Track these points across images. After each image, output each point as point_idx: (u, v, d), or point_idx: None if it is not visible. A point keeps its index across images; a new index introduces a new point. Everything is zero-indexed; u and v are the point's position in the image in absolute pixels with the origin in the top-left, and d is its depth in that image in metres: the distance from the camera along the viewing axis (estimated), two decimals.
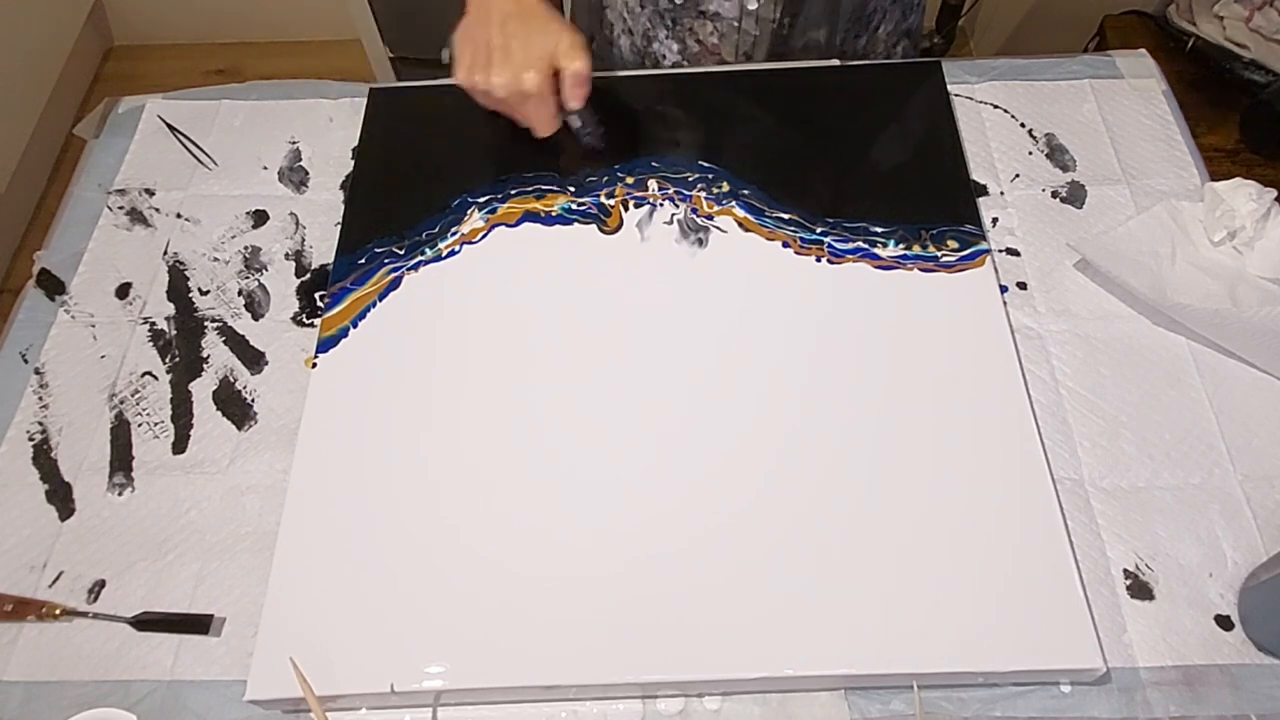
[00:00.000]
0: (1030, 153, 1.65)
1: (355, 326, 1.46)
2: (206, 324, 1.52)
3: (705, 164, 1.61)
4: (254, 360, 1.47)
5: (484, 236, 1.54)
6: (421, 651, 1.20)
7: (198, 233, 1.62)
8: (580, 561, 1.25)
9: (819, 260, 1.49)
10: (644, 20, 1.87)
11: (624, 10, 1.89)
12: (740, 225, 1.54)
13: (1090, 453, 1.35)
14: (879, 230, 1.52)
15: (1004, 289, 1.48)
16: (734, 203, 1.56)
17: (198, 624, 1.26)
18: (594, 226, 1.55)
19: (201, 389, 1.46)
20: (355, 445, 1.35)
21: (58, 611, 1.26)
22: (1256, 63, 2.38)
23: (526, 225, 1.56)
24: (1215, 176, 1.57)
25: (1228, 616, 1.22)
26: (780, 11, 1.73)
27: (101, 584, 1.30)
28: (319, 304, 1.52)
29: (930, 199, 1.56)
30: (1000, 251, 1.53)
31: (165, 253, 1.60)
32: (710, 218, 1.55)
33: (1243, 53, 2.48)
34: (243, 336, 1.50)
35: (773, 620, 1.20)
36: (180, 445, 1.40)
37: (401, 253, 1.53)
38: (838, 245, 1.51)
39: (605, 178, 1.61)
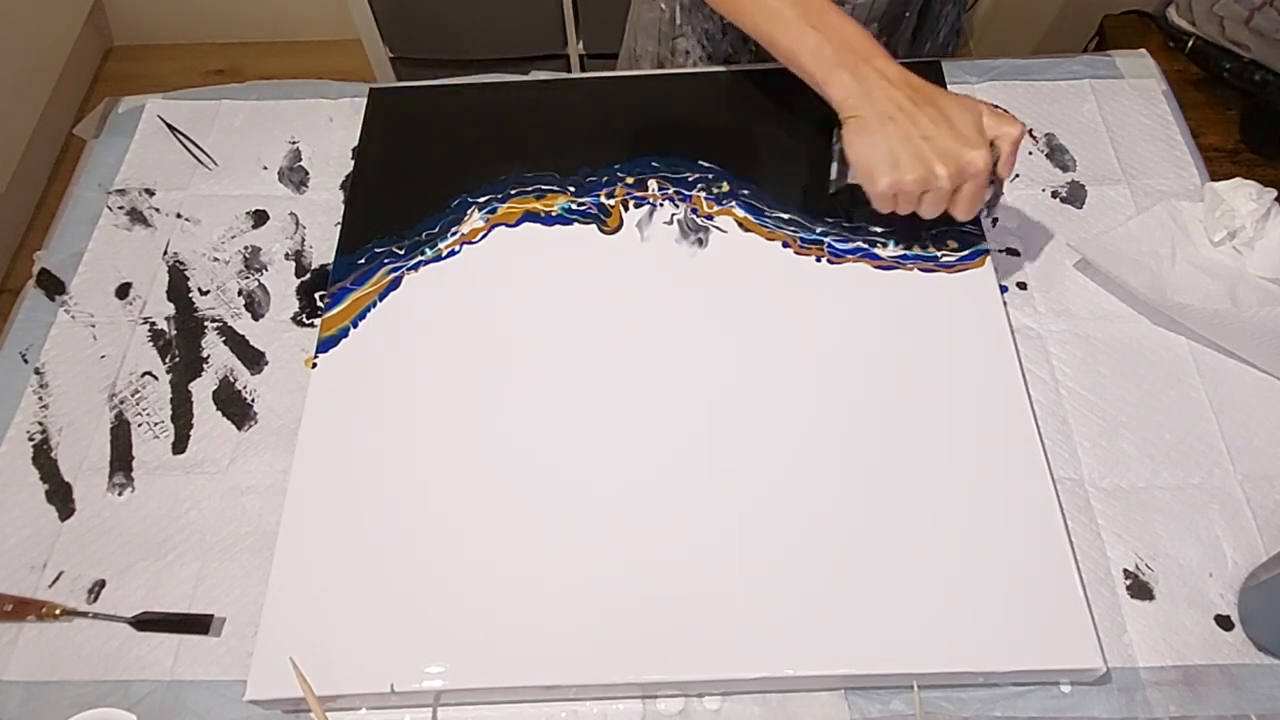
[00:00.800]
0: (1030, 153, 1.65)
1: (355, 326, 1.46)
2: (206, 324, 1.52)
3: (705, 164, 1.61)
4: (254, 360, 1.47)
5: (484, 236, 1.54)
6: (421, 651, 1.20)
7: (198, 233, 1.62)
8: (580, 562, 1.26)
9: (819, 260, 1.49)
10: (725, 46, 1.86)
11: (703, 37, 1.88)
12: (740, 225, 1.54)
13: (1090, 453, 1.35)
14: (879, 230, 1.52)
15: (1004, 289, 1.48)
16: (734, 203, 1.56)
17: (198, 624, 1.26)
18: (594, 226, 1.55)
19: (201, 389, 1.46)
20: (355, 445, 1.35)
21: (58, 611, 1.26)
22: (1257, 63, 2.38)
23: (526, 225, 1.56)
24: (1215, 176, 1.57)
25: (1228, 616, 1.22)
26: (875, 32, 1.72)
27: (101, 584, 1.30)
28: (319, 304, 1.52)
29: None
30: (1000, 251, 1.53)
31: (165, 253, 1.60)
32: (710, 218, 1.55)
33: (1242, 53, 2.48)
34: (243, 336, 1.50)
35: (772, 620, 1.20)
36: (180, 445, 1.41)
37: (401, 253, 1.53)
38: (838, 245, 1.51)
39: (605, 177, 1.61)
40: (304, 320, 1.51)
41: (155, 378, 1.47)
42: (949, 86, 1.71)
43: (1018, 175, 1.62)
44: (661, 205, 1.56)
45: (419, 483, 1.32)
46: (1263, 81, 2.32)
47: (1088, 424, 1.37)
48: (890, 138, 1.31)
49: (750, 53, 1.84)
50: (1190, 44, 2.42)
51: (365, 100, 1.75)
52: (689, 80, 1.78)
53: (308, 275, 1.56)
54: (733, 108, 1.70)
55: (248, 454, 1.40)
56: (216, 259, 1.59)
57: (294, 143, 1.73)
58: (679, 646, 1.19)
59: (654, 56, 1.95)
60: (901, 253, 1.50)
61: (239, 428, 1.42)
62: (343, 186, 1.67)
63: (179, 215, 1.64)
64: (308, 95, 1.80)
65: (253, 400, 1.44)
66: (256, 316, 1.52)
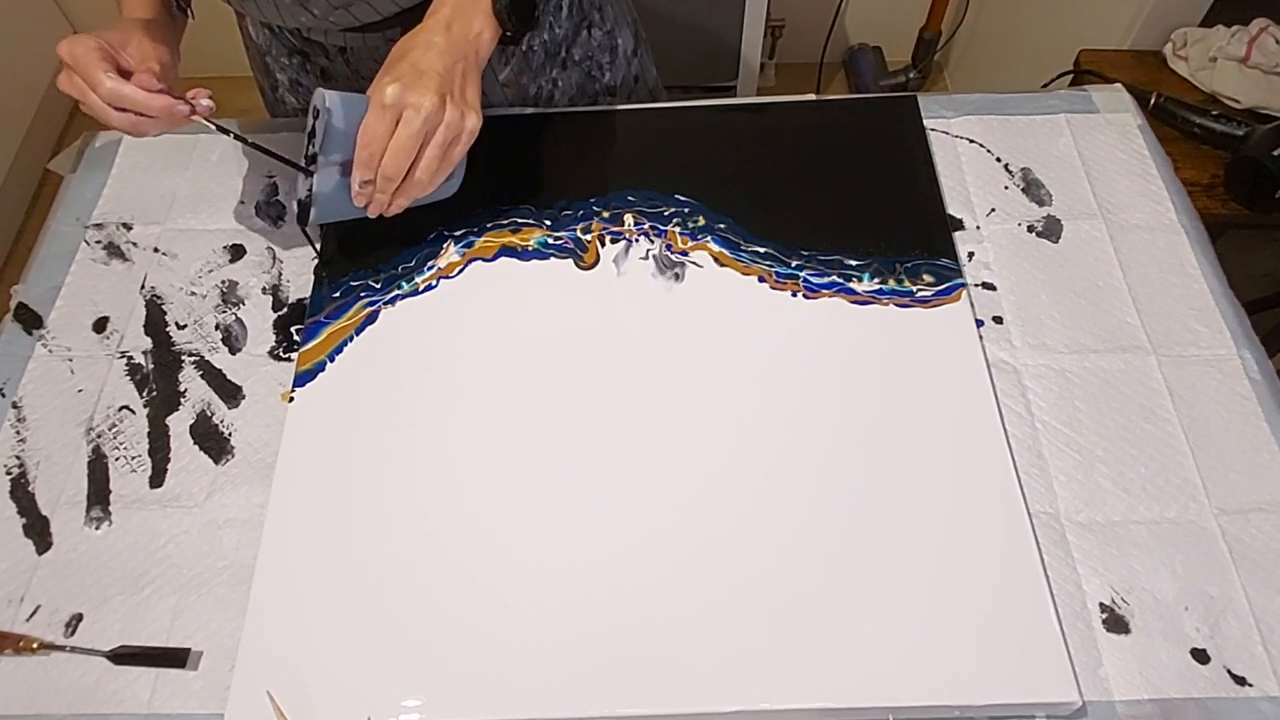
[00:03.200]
0: (1006, 187, 1.66)
1: (332, 361, 1.46)
2: (184, 358, 1.52)
3: (681, 198, 1.62)
4: (231, 394, 1.47)
5: (461, 271, 1.54)
6: (399, 685, 1.20)
7: (175, 267, 1.62)
8: (557, 596, 1.26)
9: (794, 295, 1.50)
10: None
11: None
12: (716, 260, 1.54)
13: (1066, 486, 1.35)
14: (854, 263, 1.53)
15: (980, 323, 1.48)
16: (709, 237, 1.57)
17: (175, 658, 1.26)
18: (570, 261, 1.55)
19: (179, 423, 1.46)
20: (332, 479, 1.36)
21: (35, 645, 1.26)
22: (1225, 115, 2.37)
23: (503, 260, 1.56)
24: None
25: (1204, 650, 1.23)
26: None
27: (79, 617, 1.30)
28: (296, 338, 1.52)
29: (906, 233, 1.57)
30: (976, 286, 1.54)
31: (143, 287, 1.60)
32: (685, 253, 1.55)
33: (1230, 103, 2.48)
34: (220, 370, 1.50)
35: (749, 654, 1.21)
36: (158, 479, 1.40)
37: (378, 287, 1.53)
38: (813, 280, 1.51)
39: (581, 212, 1.61)
40: (281, 354, 1.51)
41: (132, 411, 1.47)
42: (925, 120, 1.72)
43: (993, 210, 1.63)
44: (637, 240, 1.57)
45: (395, 517, 1.33)
46: (1239, 134, 2.32)
47: (1063, 458, 1.38)
48: None
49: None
50: (1152, 103, 2.41)
51: None
52: (664, 115, 1.79)
53: (284, 309, 1.56)
54: (708, 142, 1.70)
55: (225, 488, 1.39)
56: (194, 293, 1.59)
57: (271, 177, 1.73)
58: (656, 680, 1.19)
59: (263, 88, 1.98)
60: (877, 287, 1.50)
61: (216, 462, 1.42)
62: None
63: (156, 249, 1.64)
64: (284, 130, 1.80)
65: (230, 434, 1.44)
66: (234, 350, 1.52)
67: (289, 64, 1.80)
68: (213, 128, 1.41)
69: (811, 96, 1.77)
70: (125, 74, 1.39)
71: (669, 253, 1.56)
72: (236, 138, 1.46)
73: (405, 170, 1.36)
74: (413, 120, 1.31)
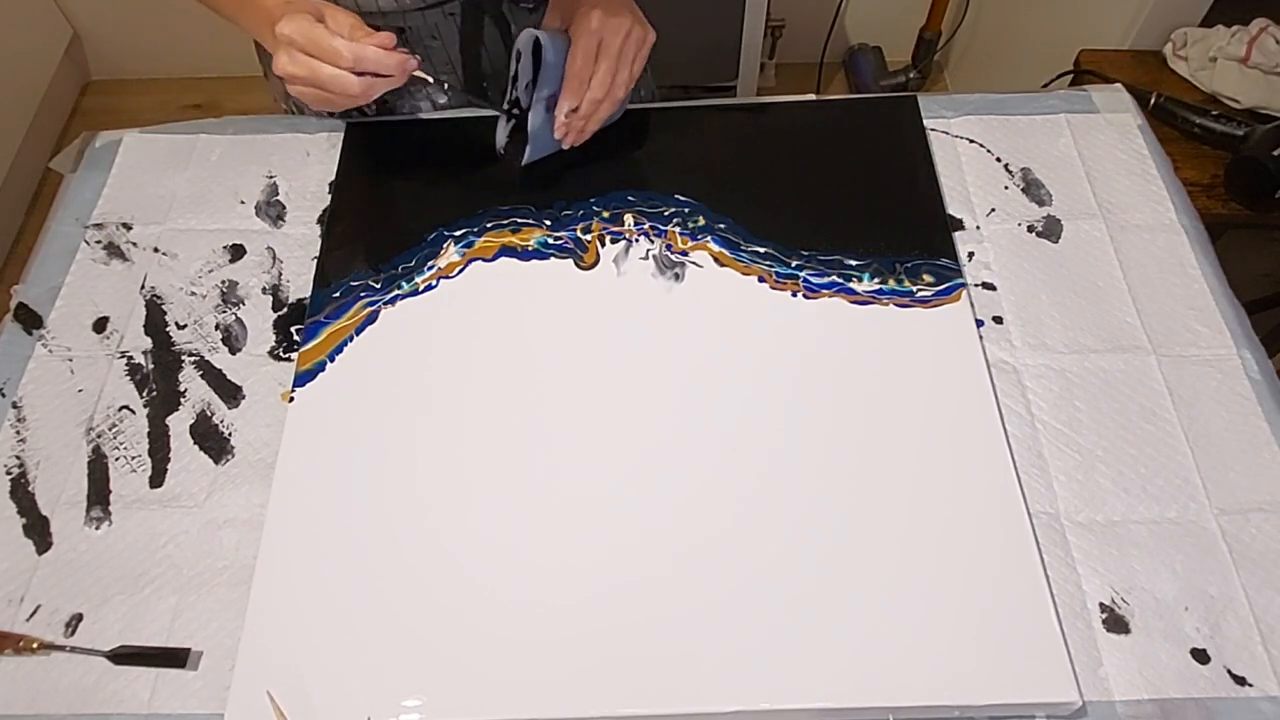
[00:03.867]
0: (1006, 187, 1.66)
1: (332, 361, 1.46)
2: (184, 358, 1.52)
3: (681, 198, 1.62)
4: (231, 394, 1.47)
5: (461, 271, 1.54)
6: (399, 685, 1.20)
7: (175, 267, 1.62)
8: (556, 596, 1.26)
9: (795, 295, 1.50)
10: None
11: None
12: (716, 260, 1.54)
13: (1066, 486, 1.35)
14: (854, 264, 1.53)
15: (980, 323, 1.48)
16: (709, 237, 1.57)
17: (175, 658, 1.25)
18: (570, 261, 1.55)
19: (179, 423, 1.45)
20: (332, 479, 1.36)
21: (35, 645, 1.26)
22: (1225, 115, 2.36)
23: (503, 260, 1.56)
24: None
25: (1204, 650, 1.23)
26: None
27: (79, 617, 1.30)
28: (296, 338, 1.52)
29: (906, 233, 1.57)
30: (976, 286, 1.54)
31: (142, 287, 1.60)
32: (685, 253, 1.55)
33: (1230, 103, 2.47)
34: (220, 370, 1.50)
35: (749, 654, 1.21)
36: (157, 479, 1.40)
37: (378, 287, 1.53)
38: (813, 280, 1.51)
39: (581, 212, 1.61)
40: (281, 354, 1.51)
41: (132, 411, 1.46)
42: (925, 120, 1.72)
43: (993, 210, 1.63)
44: (637, 240, 1.57)
45: (395, 516, 1.33)
46: (1239, 134, 2.32)
47: (1063, 458, 1.38)
48: None
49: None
50: (1152, 102, 2.41)
51: (342, 134, 1.76)
52: (664, 115, 1.78)
53: (285, 309, 1.56)
54: (708, 142, 1.71)
55: (225, 488, 1.39)
56: (194, 293, 1.59)
57: (271, 177, 1.73)
58: (656, 680, 1.19)
59: None
60: (877, 287, 1.50)
61: (216, 462, 1.42)
62: (320, 221, 1.66)
63: (156, 249, 1.64)
64: (284, 130, 1.80)
65: (230, 434, 1.44)
66: (234, 350, 1.52)
67: None
68: (431, 80, 1.45)
69: (811, 96, 1.77)
70: None
71: (669, 253, 1.56)
72: (449, 89, 1.56)
73: (609, 90, 1.52)
74: (612, 43, 1.49)
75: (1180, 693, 1.20)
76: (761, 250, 1.55)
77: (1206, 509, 1.33)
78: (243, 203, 1.70)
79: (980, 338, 1.46)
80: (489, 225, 1.60)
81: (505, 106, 1.57)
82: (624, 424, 1.40)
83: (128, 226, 1.67)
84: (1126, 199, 1.64)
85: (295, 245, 1.64)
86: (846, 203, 1.60)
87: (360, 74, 1.35)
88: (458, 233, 1.60)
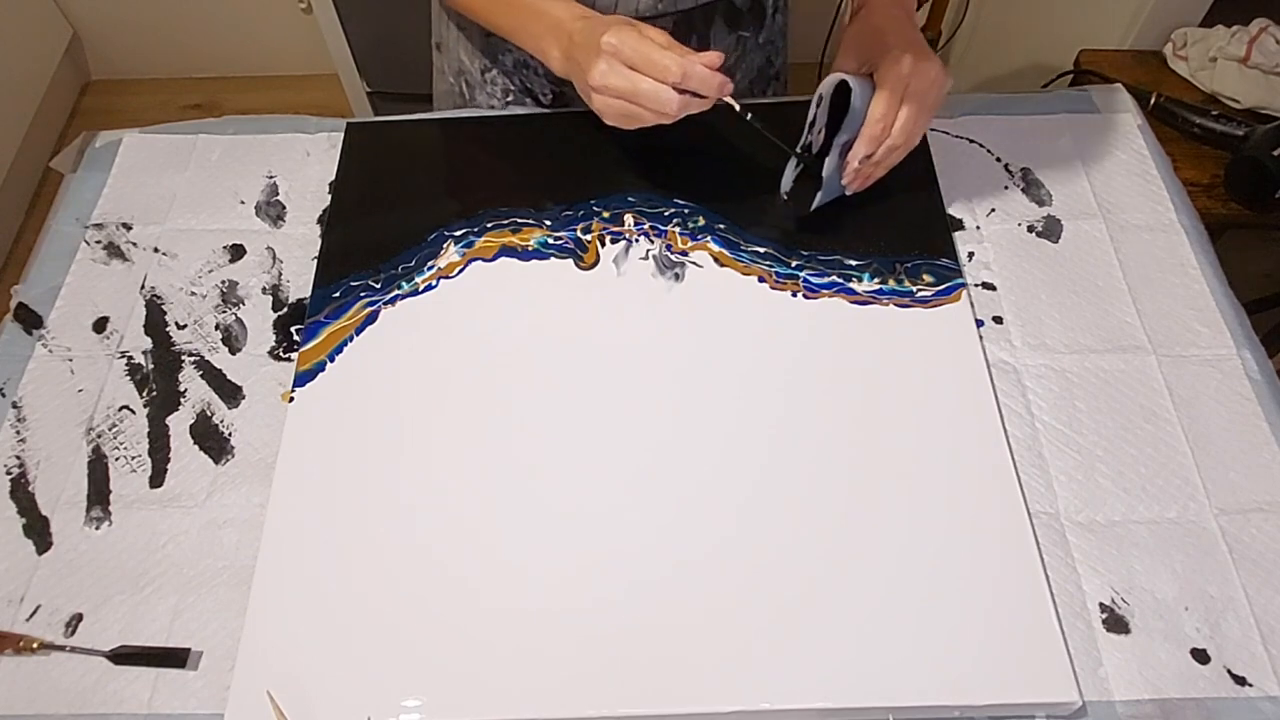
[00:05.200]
0: (1006, 187, 1.66)
1: (332, 361, 1.46)
2: (184, 358, 1.52)
3: (680, 199, 1.61)
4: (231, 394, 1.47)
5: (461, 271, 1.54)
6: (399, 685, 1.20)
7: (175, 267, 1.62)
8: (557, 596, 1.26)
9: (794, 295, 1.50)
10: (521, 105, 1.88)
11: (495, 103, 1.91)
12: (715, 260, 1.55)
13: (1066, 486, 1.35)
14: (854, 264, 1.53)
15: (980, 323, 1.48)
16: (709, 237, 1.57)
17: (175, 658, 1.25)
18: (570, 262, 1.55)
19: (179, 423, 1.46)
20: (332, 479, 1.36)
21: (35, 645, 1.26)
22: (1225, 116, 2.36)
23: (503, 260, 1.56)
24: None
25: (1204, 650, 1.23)
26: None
27: (79, 617, 1.30)
28: (296, 338, 1.52)
29: (906, 233, 1.57)
30: (976, 286, 1.54)
31: (142, 287, 1.60)
32: (685, 253, 1.55)
33: (1230, 103, 2.47)
34: (220, 370, 1.50)
35: (749, 654, 1.21)
36: (157, 479, 1.40)
37: (378, 287, 1.53)
38: (813, 280, 1.51)
39: (581, 212, 1.61)
40: (281, 354, 1.51)
41: (132, 411, 1.47)
42: None
43: (993, 210, 1.63)
44: (637, 241, 1.57)
45: (396, 516, 1.33)
46: (1239, 134, 2.31)
47: (1063, 458, 1.38)
48: None
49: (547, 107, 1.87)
50: (1152, 102, 2.40)
51: (342, 134, 1.76)
52: None
53: (285, 309, 1.56)
54: (708, 143, 1.70)
55: (225, 488, 1.39)
56: (194, 293, 1.59)
57: (271, 177, 1.73)
58: (656, 680, 1.19)
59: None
60: (877, 287, 1.50)
61: (216, 462, 1.42)
62: (320, 221, 1.67)
63: (156, 249, 1.64)
64: (285, 130, 1.81)
65: (230, 434, 1.44)
66: (234, 350, 1.52)
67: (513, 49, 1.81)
68: (737, 107, 1.41)
69: (812, 96, 1.77)
70: None
71: (669, 253, 1.56)
72: (753, 122, 1.43)
73: (909, 138, 1.46)
74: (919, 89, 1.42)
75: (1180, 693, 1.20)
76: (761, 250, 1.55)
77: (1206, 509, 1.33)
78: (243, 203, 1.70)
79: (980, 338, 1.46)
80: (489, 225, 1.60)
81: (799, 149, 1.53)
82: (624, 424, 1.40)
83: (128, 226, 1.67)
84: (1126, 199, 1.64)
85: (295, 245, 1.64)
86: (847, 202, 1.60)
87: (681, 92, 1.33)
88: (458, 233, 1.60)
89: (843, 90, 1.45)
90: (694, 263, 1.54)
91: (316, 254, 1.61)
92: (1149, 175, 1.67)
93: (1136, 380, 1.44)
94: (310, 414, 1.42)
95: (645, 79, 1.33)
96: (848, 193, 1.55)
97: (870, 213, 1.60)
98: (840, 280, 1.51)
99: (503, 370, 1.44)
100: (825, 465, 1.35)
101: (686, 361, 1.45)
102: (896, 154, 1.48)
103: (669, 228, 1.59)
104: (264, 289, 1.58)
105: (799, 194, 1.57)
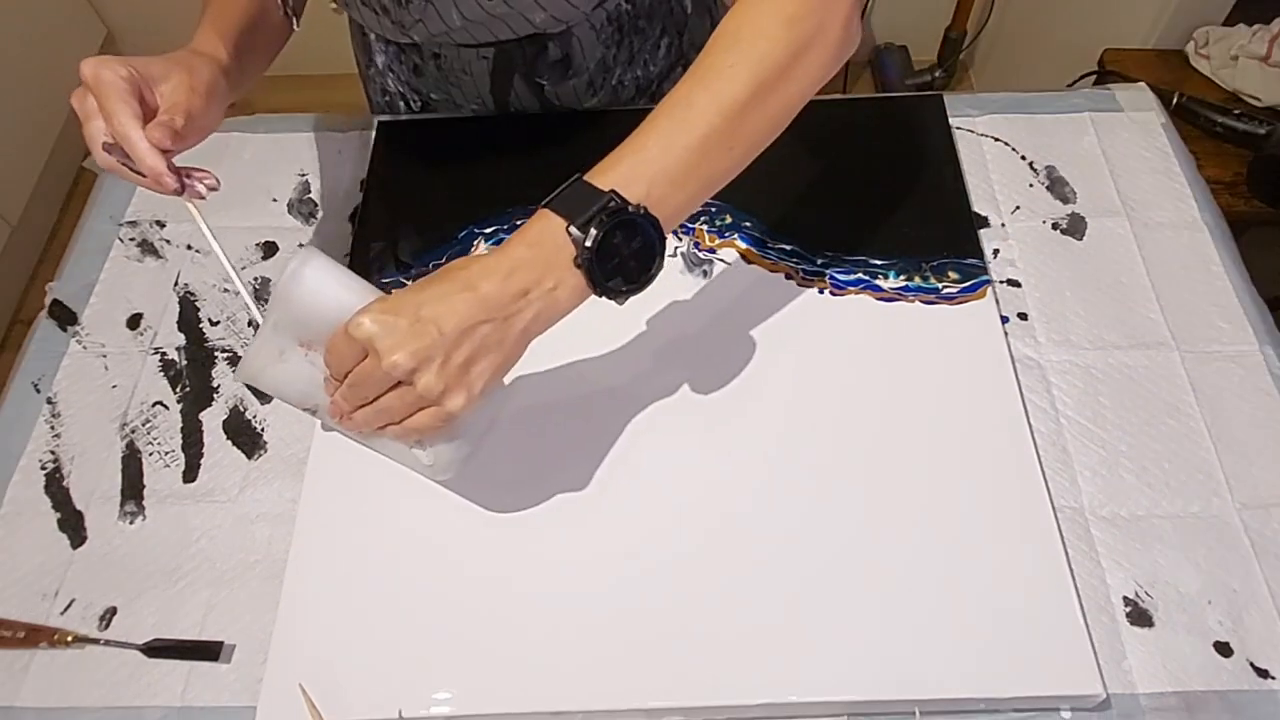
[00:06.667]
0: (1031, 185, 1.67)
1: None
2: (217, 354, 1.53)
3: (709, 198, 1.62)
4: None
5: None
6: (430, 678, 1.21)
7: (208, 264, 1.64)
8: (587, 590, 1.27)
9: (821, 292, 1.51)
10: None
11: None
12: (743, 257, 1.55)
13: (1090, 481, 1.36)
14: (879, 262, 1.54)
15: (1005, 320, 1.49)
16: (736, 235, 1.58)
17: (208, 651, 1.27)
18: None
19: (212, 418, 1.47)
20: (364, 474, 1.36)
21: (69, 639, 1.27)
22: (1248, 114, 2.37)
23: None
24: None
25: (1227, 643, 1.23)
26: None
27: (113, 611, 1.31)
28: None
29: (932, 231, 1.58)
30: (1001, 283, 1.54)
31: (176, 284, 1.62)
32: (713, 250, 1.56)
33: (1252, 101, 2.47)
34: None
35: (776, 647, 1.22)
36: (191, 474, 1.42)
37: (408, 284, 1.53)
38: (839, 277, 1.52)
39: None
40: None
41: (166, 407, 1.48)
42: (951, 119, 1.72)
43: (1018, 208, 1.64)
44: None
45: (427, 511, 1.34)
46: (1261, 133, 2.31)
47: (1088, 453, 1.39)
48: None
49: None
50: (1175, 101, 2.41)
51: (373, 133, 1.77)
52: None
53: None
54: None
55: (257, 483, 1.41)
56: (227, 290, 1.61)
57: (303, 175, 1.75)
58: (685, 673, 1.21)
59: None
60: (903, 284, 1.51)
61: (249, 457, 1.43)
62: (351, 218, 1.68)
63: (189, 247, 1.66)
64: (317, 128, 1.82)
65: (262, 430, 1.46)
66: None
67: (385, 49, 1.80)
68: (195, 213, 1.29)
69: (838, 95, 1.77)
70: (149, 113, 1.28)
71: (697, 250, 1.56)
72: (215, 254, 1.28)
73: (352, 412, 1.10)
74: (371, 370, 1.05)
75: (1203, 685, 1.21)
76: (788, 247, 1.56)
77: (1229, 503, 1.34)
78: (275, 200, 1.72)
79: (1005, 334, 1.46)
80: (519, 222, 1.59)
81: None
82: (652, 417, 1.40)
83: (161, 224, 1.69)
84: (1150, 197, 1.64)
85: (327, 243, 1.65)
86: (873, 200, 1.61)
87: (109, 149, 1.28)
88: (488, 230, 1.61)
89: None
90: (721, 260, 1.55)
91: (348, 252, 1.62)
92: (1172, 173, 1.67)
93: (1160, 376, 1.45)
94: None
95: (96, 119, 1.30)
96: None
97: (896, 210, 1.61)
98: (866, 277, 1.52)
99: (531, 365, 1.45)
100: (851, 459, 1.36)
101: (714, 357, 1.46)
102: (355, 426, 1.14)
103: (697, 225, 1.60)
104: None
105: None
